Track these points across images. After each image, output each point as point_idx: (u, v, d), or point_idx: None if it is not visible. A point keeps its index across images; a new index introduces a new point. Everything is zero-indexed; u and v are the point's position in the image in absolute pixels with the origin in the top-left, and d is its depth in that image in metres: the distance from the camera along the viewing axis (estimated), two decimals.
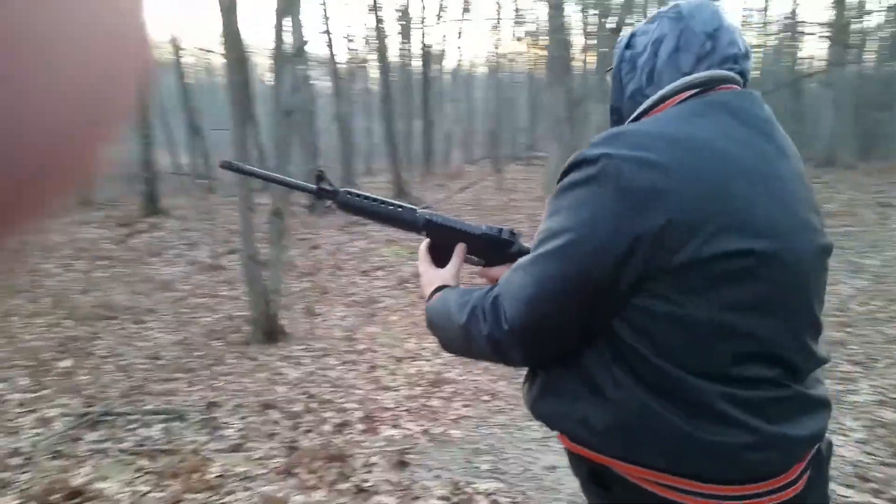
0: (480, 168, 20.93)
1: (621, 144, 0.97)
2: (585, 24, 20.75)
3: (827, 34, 16.54)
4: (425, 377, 5.07)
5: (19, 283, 8.79)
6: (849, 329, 5.46)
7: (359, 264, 9.89)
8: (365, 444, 3.63)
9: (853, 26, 17.32)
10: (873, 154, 19.71)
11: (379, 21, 16.16)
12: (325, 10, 15.65)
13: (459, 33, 22.33)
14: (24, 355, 5.78)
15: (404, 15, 20.19)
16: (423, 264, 1.39)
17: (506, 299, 1.05)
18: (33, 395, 4.74)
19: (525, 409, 1.25)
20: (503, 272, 1.29)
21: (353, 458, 3.38)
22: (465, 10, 23.05)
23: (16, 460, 3.56)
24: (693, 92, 1.06)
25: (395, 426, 3.92)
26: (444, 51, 23.72)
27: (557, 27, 14.73)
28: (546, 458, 3.52)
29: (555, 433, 1.15)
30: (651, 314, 0.96)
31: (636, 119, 1.11)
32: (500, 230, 1.45)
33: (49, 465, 3.48)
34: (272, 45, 6.39)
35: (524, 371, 1.28)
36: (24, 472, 3.42)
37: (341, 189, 1.47)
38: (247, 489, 3.10)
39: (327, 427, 3.95)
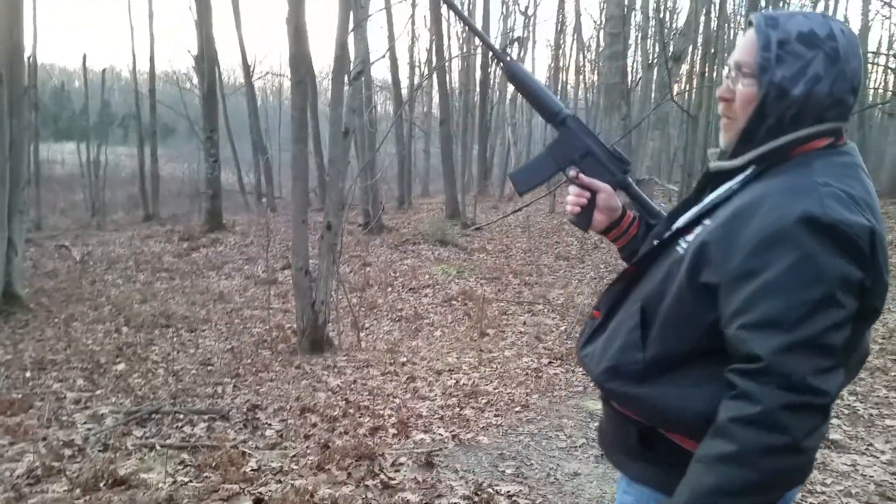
0: (536, 192, 20.93)
1: (847, 206, 1.03)
2: (645, 51, 20.67)
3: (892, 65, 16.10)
4: (462, 389, 5.12)
5: (83, 292, 9.27)
6: (892, 356, 5.28)
7: (407, 281, 10.04)
8: (395, 447, 3.71)
9: None
10: None
11: (439, 48, 16.48)
12: (390, 35, 15.96)
13: (520, 58, 22.39)
14: (82, 358, 6.11)
15: (466, 41, 20.56)
16: None
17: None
18: (88, 394, 5.01)
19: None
20: (603, 186, 1.47)
21: (382, 457, 3.46)
22: (525, 37, 23.19)
23: (68, 451, 3.78)
24: (829, 140, 1.12)
25: (426, 431, 3.99)
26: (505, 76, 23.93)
27: (614, 54, 14.74)
28: (570, 465, 3.52)
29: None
30: None
31: (778, 151, 1.13)
32: (626, 158, 1.54)
33: (98, 457, 3.67)
34: (332, 67, 6.63)
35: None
36: (75, 463, 3.62)
37: (516, 63, 1.58)
38: (279, 482, 3.21)
39: (362, 430, 4.05)
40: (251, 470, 3.36)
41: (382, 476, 3.24)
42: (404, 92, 18.75)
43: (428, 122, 23.71)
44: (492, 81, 21.96)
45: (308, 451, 3.67)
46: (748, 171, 1.16)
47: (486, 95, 20.10)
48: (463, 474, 3.37)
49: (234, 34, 23.16)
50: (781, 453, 0.97)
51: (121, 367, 5.94)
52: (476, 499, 3.07)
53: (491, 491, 3.14)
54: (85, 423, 4.32)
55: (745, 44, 1.15)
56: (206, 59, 13.34)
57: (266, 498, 2.96)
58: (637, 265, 1.29)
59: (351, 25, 6.30)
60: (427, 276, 10.30)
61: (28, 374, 5.59)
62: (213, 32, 13.46)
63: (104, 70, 21.19)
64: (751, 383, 1.00)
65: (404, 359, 6.23)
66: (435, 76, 17.00)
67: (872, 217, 1.04)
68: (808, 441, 0.98)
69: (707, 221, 1.16)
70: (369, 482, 3.18)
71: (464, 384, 5.30)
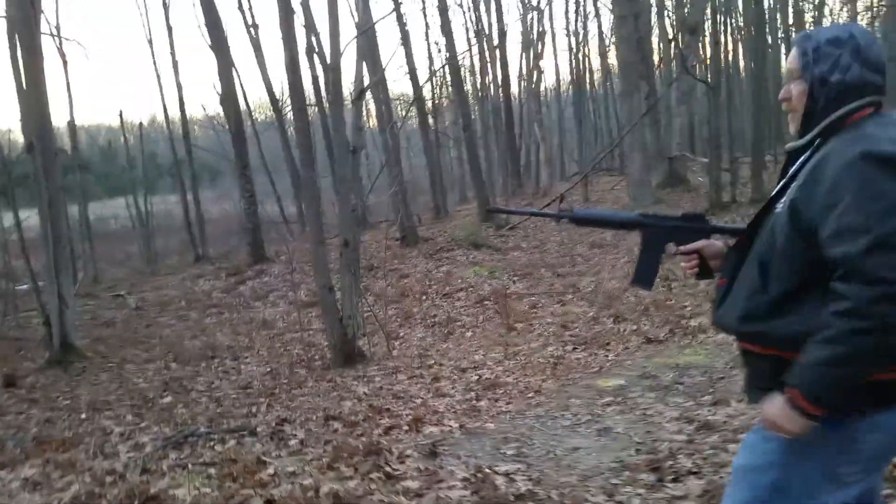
0: (571, 183, 20.86)
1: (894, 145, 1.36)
2: (663, 28, 20.41)
3: None
4: (482, 383, 5.26)
5: (137, 336, 9.80)
6: None
7: (442, 288, 10.22)
8: (405, 441, 3.87)
9: None
10: None
11: (453, 58, 16.64)
12: (407, 48, 16.19)
13: (539, 54, 22.43)
14: (132, 396, 6.50)
15: (480, 42, 20.78)
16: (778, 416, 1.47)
17: None
18: (134, 427, 5.35)
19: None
20: (702, 244, 1.79)
21: (389, 452, 3.62)
22: (542, 32, 23.21)
23: (110, 478, 4.07)
24: (872, 109, 1.47)
25: (437, 425, 4.14)
26: (527, 73, 23.97)
27: (625, 35, 14.66)
28: (571, 441, 3.61)
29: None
30: None
31: (834, 123, 1.47)
32: (696, 211, 1.90)
33: (136, 480, 3.96)
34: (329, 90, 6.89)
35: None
36: (115, 487, 3.91)
37: (576, 209, 1.95)
38: (292, 483, 3.41)
39: (378, 431, 4.23)
40: (268, 475, 3.57)
41: (387, 468, 3.41)
42: (427, 103, 19.03)
43: (457, 130, 23.92)
44: (518, 81, 22.04)
45: (324, 455, 3.87)
46: (815, 143, 1.50)
47: (509, 95, 20.19)
48: (465, 459, 3.50)
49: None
50: (867, 333, 1.28)
51: (167, 399, 6.30)
52: (474, 479, 3.20)
53: (489, 471, 3.26)
54: (127, 452, 4.64)
55: (791, 58, 1.55)
56: (229, 99, 13.90)
57: (276, 498, 3.17)
58: (746, 233, 1.62)
59: (342, 47, 6.52)
60: (460, 281, 10.45)
61: (83, 416, 5.99)
62: (232, 72, 14.01)
63: (140, 123, 22.24)
64: (842, 285, 1.31)
65: (432, 361, 6.41)
66: (452, 85, 17.19)
67: None
68: (891, 321, 1.26)
69: (793, 185, 1.48)
70: (373, 475, 3.34)
71: (486, 378, 5.44)
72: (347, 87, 10.40)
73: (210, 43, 13.76)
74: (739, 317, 1.52)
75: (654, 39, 20.04)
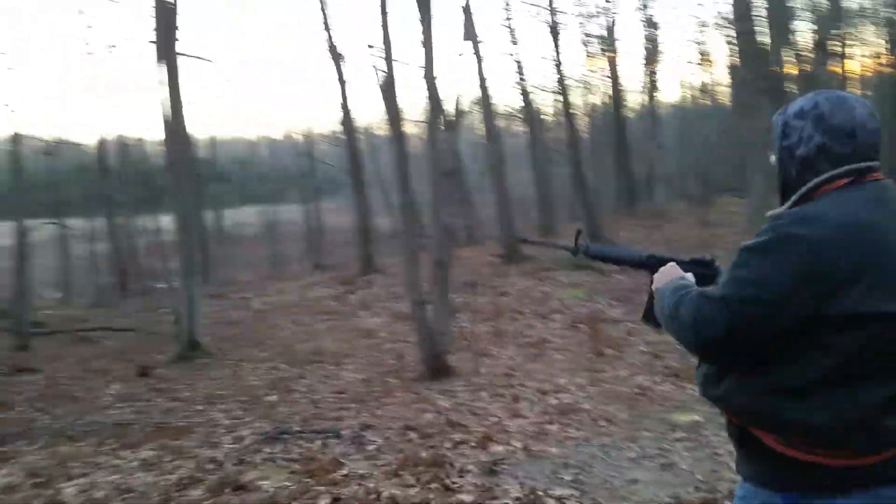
0: (689, 204, 20.26)
1: (811, 224, 1.39)
2: (791, 43, 19.37)
3: None
4: (560, 407, 5.37)
5: (256, 337, 10.62)
6: None
7: (538, 308, 10.32)
8: (470, 457, 4.10)
9: None
10: None
11: (562, 74, 16.74)
12: (518, 63, 16.39)
13: (655, 70, 21.96)
14: (243, 392, 7.13)
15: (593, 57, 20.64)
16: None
17: None
18: (238, 421, 5.91)
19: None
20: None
21: (451, 465, 3.87)
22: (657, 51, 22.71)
23: (210, 465, 4.59)
24: (848, 179, 1.44)
25: (503, 444, 4.33)
26: (644, 88, 23.56)
27: (745, 50, 14.10)
28: (631, 473, 3.69)
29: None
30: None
31: (805, 195, 1.49)
32: (705, 257, 1.93)
33: (232, 469, 4.44)
34: (427, 115, 7.26)
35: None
36: (213, 474, 4.41)
37: (591, 244, 2.07)
38: (359, 485, 3.73)
39: (448, 444, 4.48)
40: (340, 475, 3.92)
41: (447, 481, 3.65)
42: (537, 117, 19.13)
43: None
44: (636, 95, 21.61)
45: (394, 462, 4.17)
46: None
47: (622, 110, 19.93)
48: (522, 480, 3.68)
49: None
50: (675, 317, 1.51)
51: (272, 398, 6.87)
52: (526, 500, 3.37)
53: (542, 493, 3.43)
54: (230, 443, 5.17)
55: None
56: (347, 120, 14.79)
57: (342, 496, 3.49)
58: None
59: (439, 76, 6.87)
60: (557, 302, 10.51)
61: (199, 407, 6.66)
62: (348, 96, 14.91)
63: (273, 139, 23.89)
64: (709, 295, 1.46)
65: (516, 381, 6.57)
66: (559, 100, 17.24)
67: (851, 241, 1.34)
68: (685, 326, 1.47)
69: None
70: (433, 485, 3.60)
71: (566, 403, 5.54)
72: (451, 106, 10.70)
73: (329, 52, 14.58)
74: (701, 380, 1.56)
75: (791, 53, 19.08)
